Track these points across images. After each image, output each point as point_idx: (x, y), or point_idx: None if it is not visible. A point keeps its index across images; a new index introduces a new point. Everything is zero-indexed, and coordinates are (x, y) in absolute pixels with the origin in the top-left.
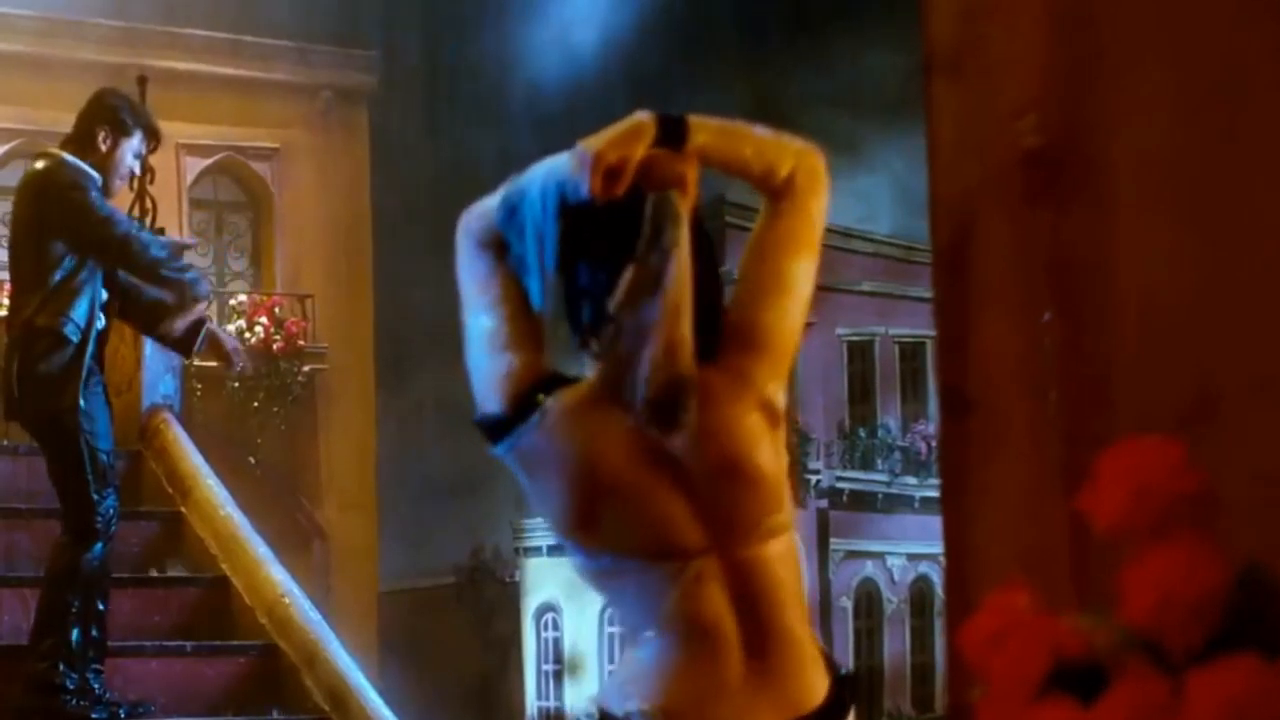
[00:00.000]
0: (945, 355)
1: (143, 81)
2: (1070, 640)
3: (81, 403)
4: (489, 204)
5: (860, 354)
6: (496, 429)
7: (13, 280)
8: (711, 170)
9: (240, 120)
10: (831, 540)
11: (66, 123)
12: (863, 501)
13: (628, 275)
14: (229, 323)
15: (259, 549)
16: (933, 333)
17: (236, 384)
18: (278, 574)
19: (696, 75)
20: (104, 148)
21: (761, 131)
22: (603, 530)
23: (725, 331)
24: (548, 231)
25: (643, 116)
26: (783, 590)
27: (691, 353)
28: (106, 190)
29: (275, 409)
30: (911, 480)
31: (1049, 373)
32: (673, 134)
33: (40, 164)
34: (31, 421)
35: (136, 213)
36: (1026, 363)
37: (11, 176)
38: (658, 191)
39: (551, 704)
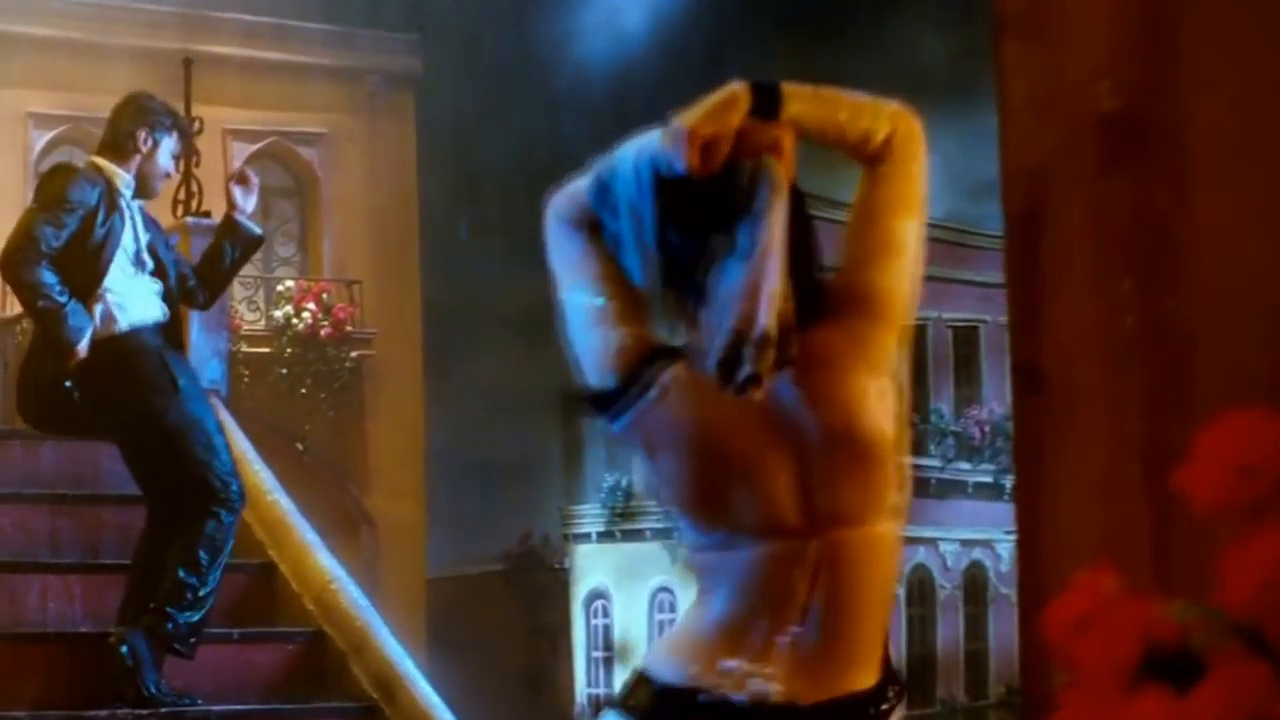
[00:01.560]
0: (1018, 330)
1: (188, 64)
2: (1162, 625)
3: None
4: (578, 185)
5: (913, 339)
6: (610, 404)
7: None
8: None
9: (286, 105)
10: None
11: (112, 108)
12: (915, 487)
13: (719, 241)
14: (276, 308)
15: (306, 534)
16: (986, 317)
17: (284, 370)
18: (325, 560)
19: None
20: (144, 149)
21: (855, 96)
22: (723, 507)
23: (838, 295)
24: (644, 208)
25: (736, 87)
26: (885, 575)
27: (782, 308)
28: (145, 192)
29: (322, 395)
30: (965, 465)
31: (1127, 346)
32: (767, 103)
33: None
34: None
35: (182, 196)
36: (1103, 336)
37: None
38: (751, 159)
39: (601, 691)
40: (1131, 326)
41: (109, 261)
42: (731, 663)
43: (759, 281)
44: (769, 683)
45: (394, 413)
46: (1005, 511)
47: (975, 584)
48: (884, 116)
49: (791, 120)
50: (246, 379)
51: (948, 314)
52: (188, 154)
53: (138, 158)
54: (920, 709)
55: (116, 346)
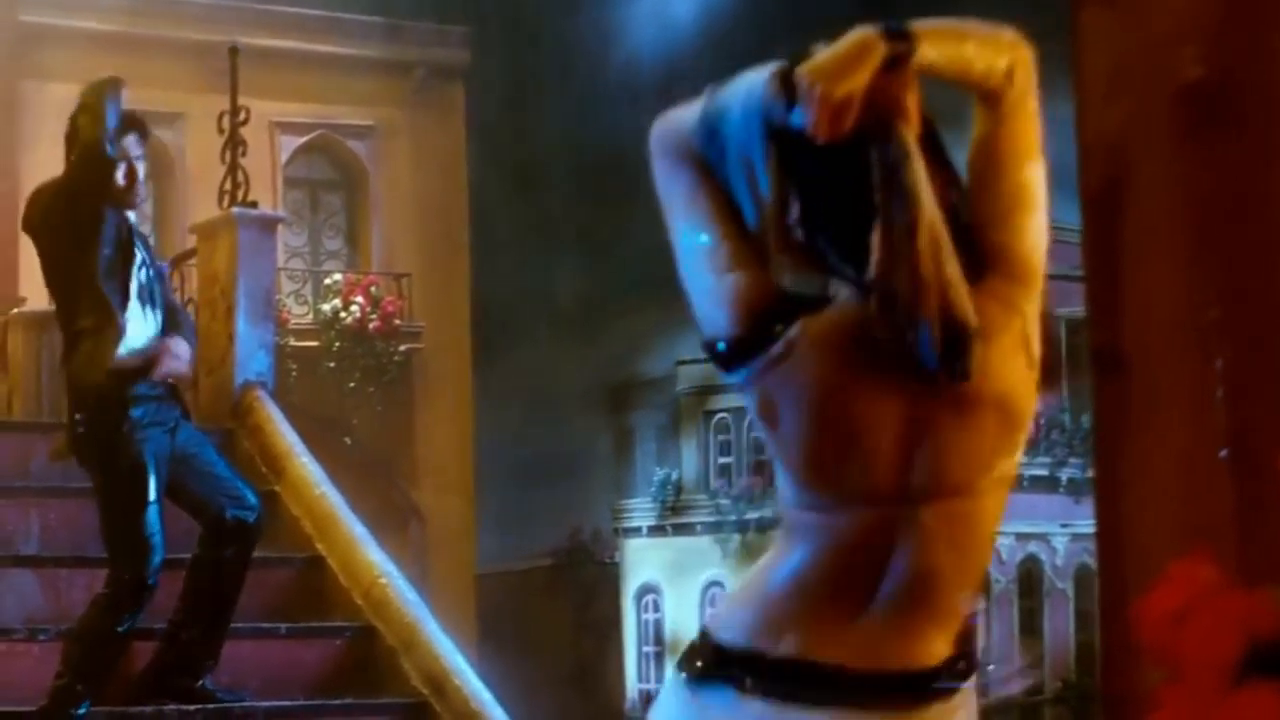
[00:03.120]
0: (1097, 312)
1: (234, 52)
2: (1266, 617)
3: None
4: (682, 117)
5: None
6: (733, 354)
7: None
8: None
9: (334, 98)
10: None
11: (161, 101)
12: None
13: (877, 236)
14: (324, 302)
15: (355, 528)
16: (1060, 310)
17: (332, 364)
18: (375, 554)
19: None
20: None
21: (971, 25)
22: (838, 472)
23: (984, 255)
24: (755, 157)
25: (869, 34)
26: (986, 544)
27: (967, 292)
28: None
29: (371, 389)
30: (1019, 458)
31: (1212, 326)
32: (900, 50)
33: None
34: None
35: (228, 186)
36: (1187, 316)
37: None
38: (879, 125)
39: (653, 686)
40: (1217, 305)
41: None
42: (794, 634)
43: (939, 268)
44: (846, 650)
45: (443, 407)
46: (1061, 505)
47: (1030, 578)
48: (1005, 48)
49: (924, 65)
50: (294, 373)
51: None
52: (234, 144)
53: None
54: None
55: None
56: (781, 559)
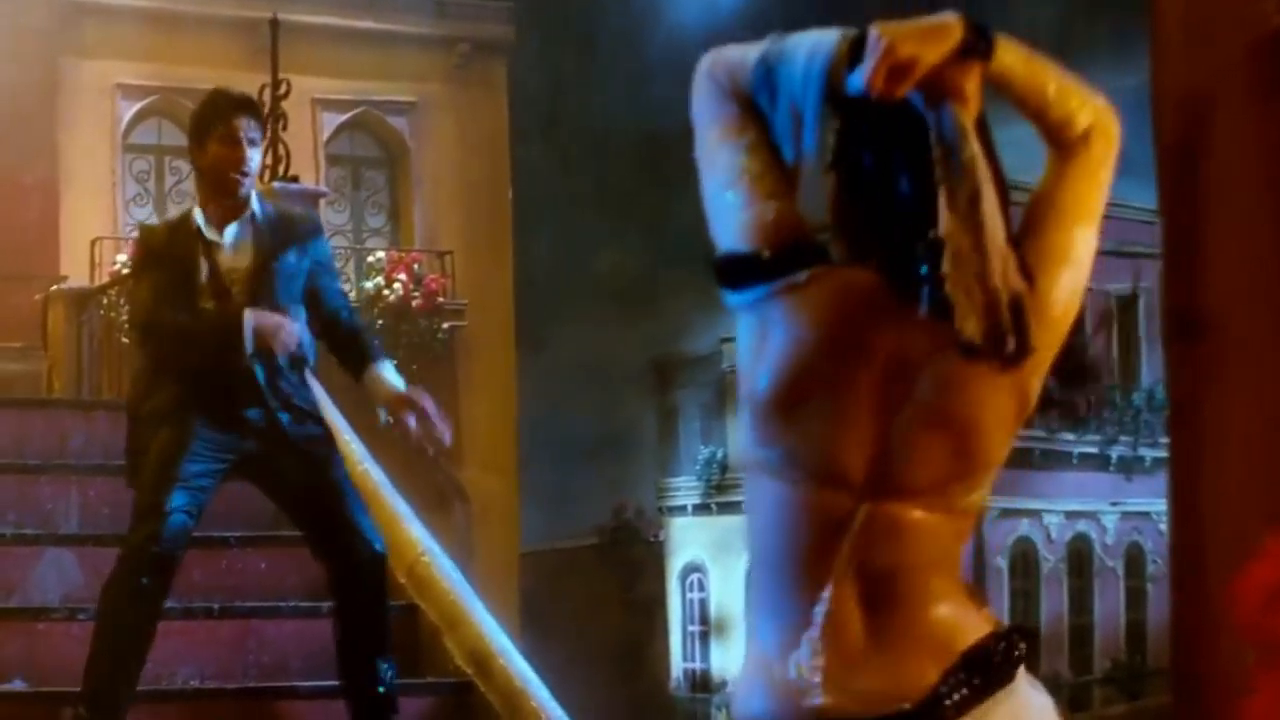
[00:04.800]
0: (1173, 272)
1: (275, 25)
2: None
3: None
4: (739, 53)
5: None
6: (750, 270)
7: None
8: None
9: (376, 74)
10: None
11: (201, 79)
12: (1019, 458)
13: (942, 199)
14: (367, 280)
15: (398, 506)
16: (1090, 285)
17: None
18: (417, 532)
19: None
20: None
21: (1064, 73)
22: (795, 425)
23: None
24: (807, 110)
25: (950, 18)
26: (920, 566)
27: (1017, 267)
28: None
29: (414, 367)
30: (1069, 436)
31: None
32: (978, 45)
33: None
34: None
35: (269, 161)
36: (1271, 276)
37: (147, 135)
38: (934, 102)
39: (698, 665)
40: None
41: None
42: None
43: (994, 241)
44: (814, 676)
45: (486, 384)
46: (1110, 483)
47: (1080, 557)
48: (1089, 108)
49: (1000, 72)
50: None
51: None
52: (275, 119)
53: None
54: None
55: None
56: (756, 599)
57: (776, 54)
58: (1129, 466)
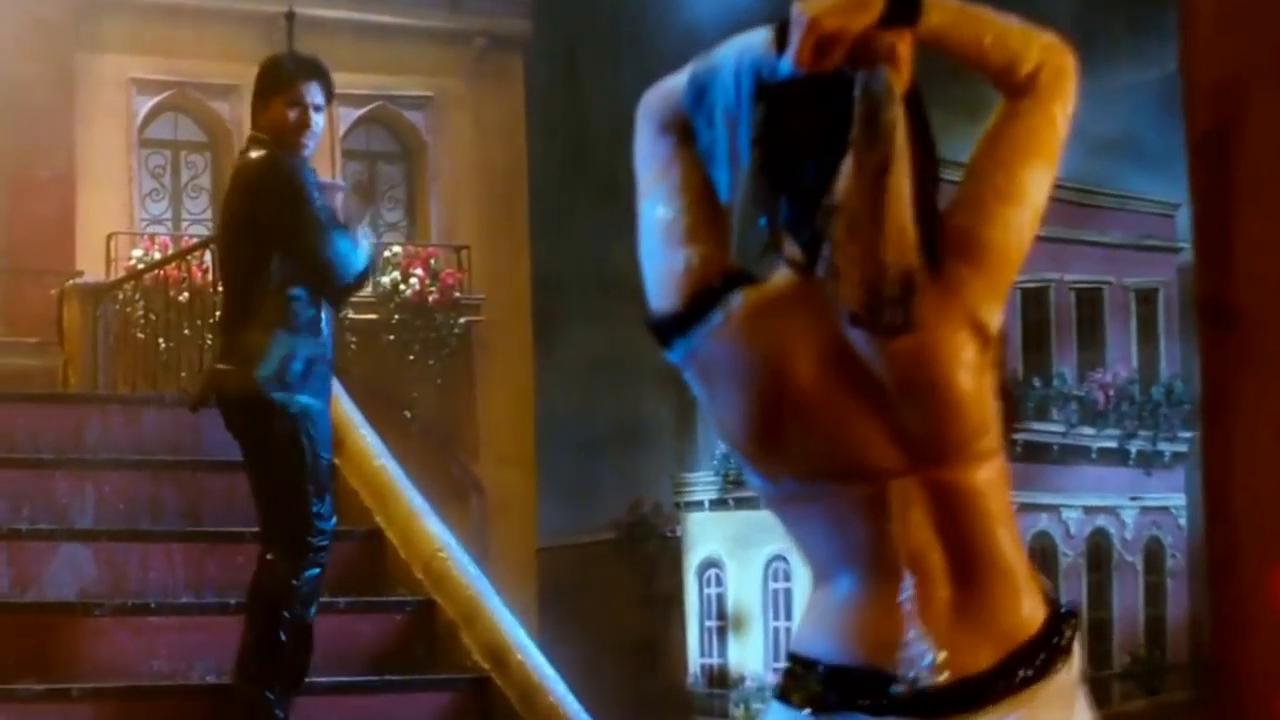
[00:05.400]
0: (1205, 262)
1: (290, 17)
2: None
3: (304, 400)
4: (675, 83)
5: (1035, 301)
6: (671, 328)
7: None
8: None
9: (392, 69)
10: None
11: (217, 73)
12: (1038, 453)
13: (846, 164)
14: (383, 275)
15: (415, 501)
16: (1109, 278)
17: (392, 337)
18: (434, 527)
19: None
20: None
21: (1003, 19)
22: (787, 448)
23: (943, 237)
24: (742, 116)
25: None
26: (990, 517)
27: (915, 244)
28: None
29: (430, 362)
30: (1088, 430)
31: None
32: (902, 10)
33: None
34: (240, 423)
35: None
36: None
37: (162, 130)
38: (867, 69)
39: (715, 661)
40: None
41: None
42: (899, 638)
43: (897, 209)
44: (930, 652)
45: (503, 379)
46: (1129, 477)
47: (1099, 551)
48: (1034, 47)
49: (929, 33)
50: (354, 346)
51: (1070, 276)
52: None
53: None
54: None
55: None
56: (818, 577)
57: (705, 69)
58: (1148, 461)
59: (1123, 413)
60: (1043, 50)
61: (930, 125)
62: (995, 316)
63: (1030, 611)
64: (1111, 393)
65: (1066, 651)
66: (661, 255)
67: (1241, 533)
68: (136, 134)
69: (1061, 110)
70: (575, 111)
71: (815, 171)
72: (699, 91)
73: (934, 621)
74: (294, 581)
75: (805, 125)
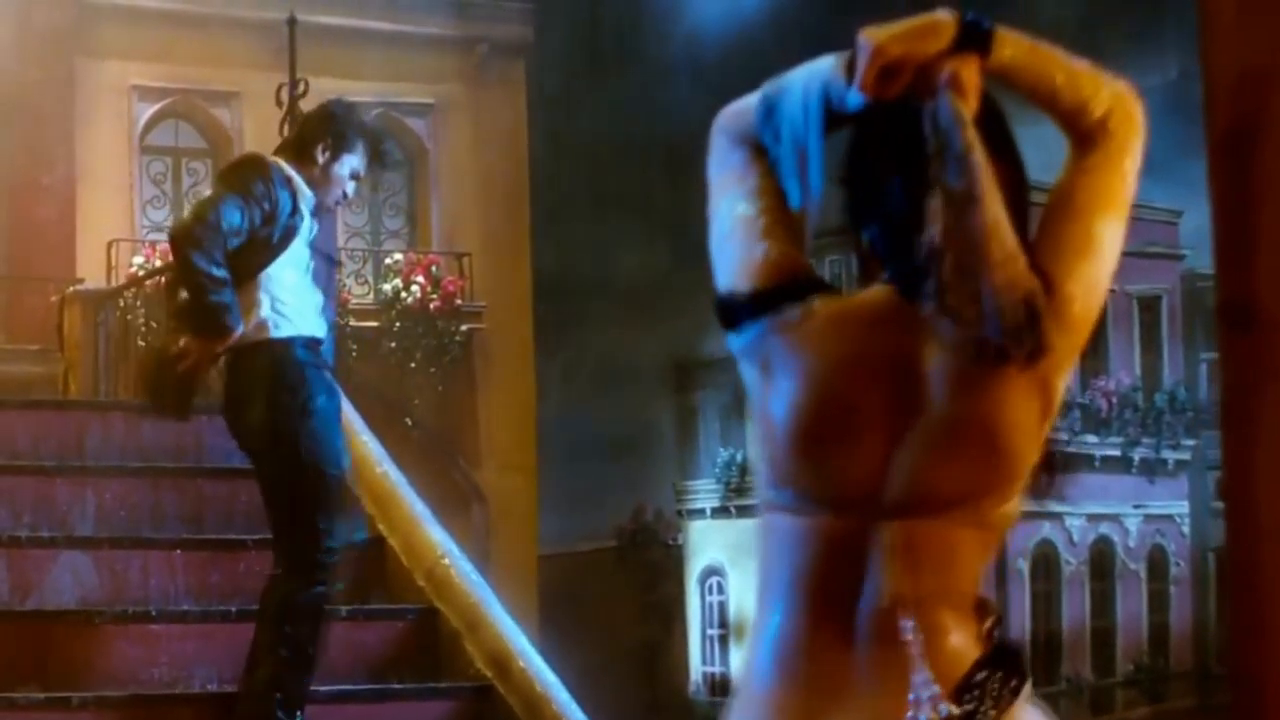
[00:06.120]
0: (1226, 262)
1: (292, 24)
2: None
3: (307, 418)
4: (747, 101)
5: None
6: (744, 309)
7: None
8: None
9: (394, 76)
10: None
11: (218, 80)
12: (1041, 460)
13: (934, 201)
14: (385, 282)
15: (417, 508)
16: (1112, 286)
17: (393, 344)
18: (437, 534)
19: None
20: (321, 161)
21: (1074, 60)
22: (816, 460)
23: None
24: (810, 142)
25: (942, 15)
26: (936, 583)
27: (1027, 263)
28: (319, 206)
29: (432, 369)
30: (1092, 439)
31: None
32: (974, 41)
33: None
34: (246, 439)
35: None
36: None
37: (163, 136)
38: (931, 98)
39: (717, 669)
40: None
41: (271, 261)
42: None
43: (998, 237)
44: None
45: (504, 387)
46: (1133, 485)
47: (1102, 560)
48: (1106, 93)
49: (1001, 66)
50: (355, 353)
51: None
52: (292, 117)
53: (313, 169)
54: (1045, 687)
55: (262, 352)
56: (761, 618)
57: (776, 90)
58: (1152, 469)
59: (1126, 420)
60: (1113, 97)
61: (1016, 146)
62: (1064, 382)
63: (956, 662)
64: (1114, 400)
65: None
66: (741, 245)
67: (1263, 538)
68: (138, 140)
69: (1132, 164)
70: (577, 119)
71: (902, 200)
72: (768, 109)
73: (850, 674)
74: (298, 598)
75: (888, 156)
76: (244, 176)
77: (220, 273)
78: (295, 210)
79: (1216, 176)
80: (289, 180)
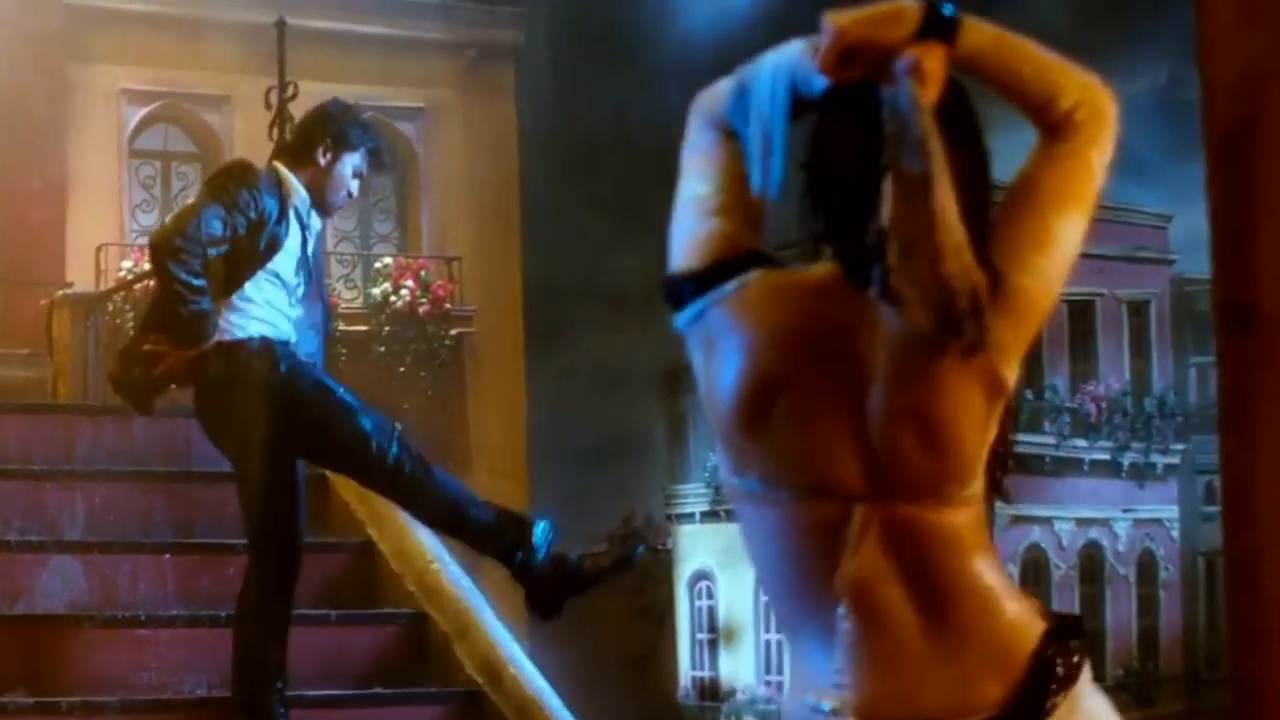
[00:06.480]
0: (1223, 262)
1: (281, 26)
2: None
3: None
4: (724, 84)
5: None
6: (686, 287)
7: None
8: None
9: (384, 79)
10: (997, 504)
11: (208, 84)
12: (1030, 464)
13: (888, 186)
14: (374, 286)
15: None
16: (1102, 290)
17: (382, 348)
18: (427, 539)
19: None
20: (322, 162)
21: (1044, 52)
22: (764, 441)
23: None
24: (774, 126)
25: (906, 2)
26: (962, 552)
27: (974, 256)
28: (321, 208)
29: (422, 374)
30: (1081, 443)
31: None
32: (939, 29)
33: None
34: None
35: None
36: None
37: (153, 140)
38: (891, 83)
39: (706, 674)
40: None
41: (256, 269)
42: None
43: (946, 227)
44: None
45: (495, 391)
46: (1123, 490)
47: (1091, 564)
48: (1074, 84)
49: (967, 54)
50: (344, 357)
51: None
52: (281, 120)
53: (314, 170)
54: None
55: (236, 355)
56: (782, 626)
57: (748, 75)
58: (1141, 473)
59: (1115, 425)
60: (1082, 89)
61: (981, 138)
62: (1014, 371)
63: (1018, 637)
64: (1104, 405)
65: (1070, 682)
66: (691, 223)
67: (1262, 540)
68: (127, 144)
69: (1099, 156)
70: (567, 122)
71: (857, 183)
72: (740, 92)
73: (879, 660)
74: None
75: (846, 139)
76: (228, 184)
77: (198, 282)
78: (283, 217)
79: (1215, 177)
80: (279, 185)
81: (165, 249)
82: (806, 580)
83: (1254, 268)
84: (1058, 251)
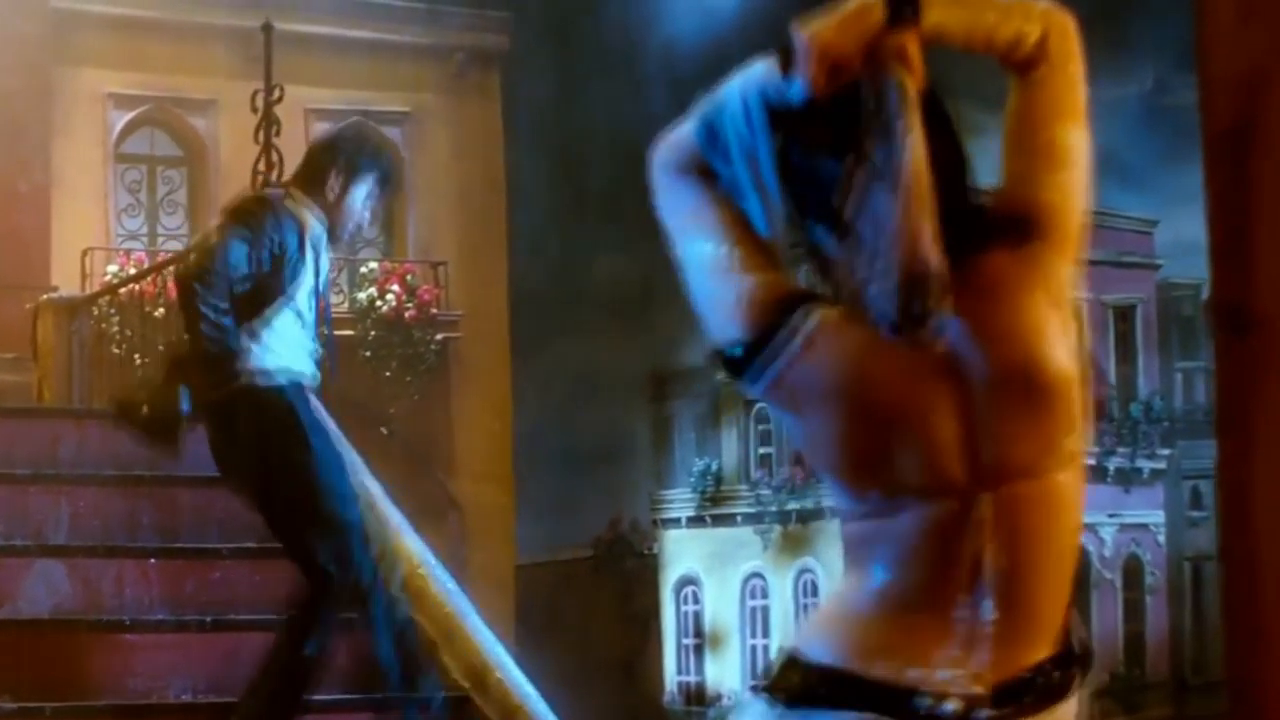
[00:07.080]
0: (1221, 263)
1: (268, 30)
2: None
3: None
4: (682, 131)
5: None
6: (746, 362)
7: None
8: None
9: (370, 84)
10: None
11: (194, 88)
12: None
13: (857, 174)
14: (360, 291)
15: (393, 517)
16: (1087, 295)
17: (368, 353)
18: (412, 544)
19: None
20: (332, 195)
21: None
22: (878, 465)
23: (1000, 215)
24: (760, 146)
25: None
26: (1054, 541)
27: (934, 245)
28: (333, 236)
29: (408, 378)
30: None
31: None
32: (903, 11)
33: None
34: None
35: (262, 166)
36: None
37: (139, 144)
38: (878, 73)
39: (692, 678)
40: None
41: (273, 303)
42: (886, 657)
43: (913, 214)
44: (947, 671)
45: (481, 396)
46: (1107, 494)
47: (1078, 569)
48: (1035, 15)
49: (934, 28)
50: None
51: None
52: (268, 123)
53: (325, 201)
54: None
55: (257, 395)
56: (860, 578)
57: (713, 108)
58: (1127, 478)
59: (1101, 430)
60: (1044, 15)
61: (953, 126)
62: (1070, 284)
63: (1050, 642)
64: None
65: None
66: (720, 289)
67: (1260, 543)
68: (113, 148)
69: (1077, 69)
70: (553, 127)
71: (833, 185)
72: (709, 131)
73: (981, 643)
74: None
75: (822, 144)
76: (250, 220)
77: (227, 321)
78: (301, 250)
79: (1212, 178)
80: (296, 218)
81: (192, 284)
82: (927, 567)
83: (1251, 269)
84: (1073, 163)
